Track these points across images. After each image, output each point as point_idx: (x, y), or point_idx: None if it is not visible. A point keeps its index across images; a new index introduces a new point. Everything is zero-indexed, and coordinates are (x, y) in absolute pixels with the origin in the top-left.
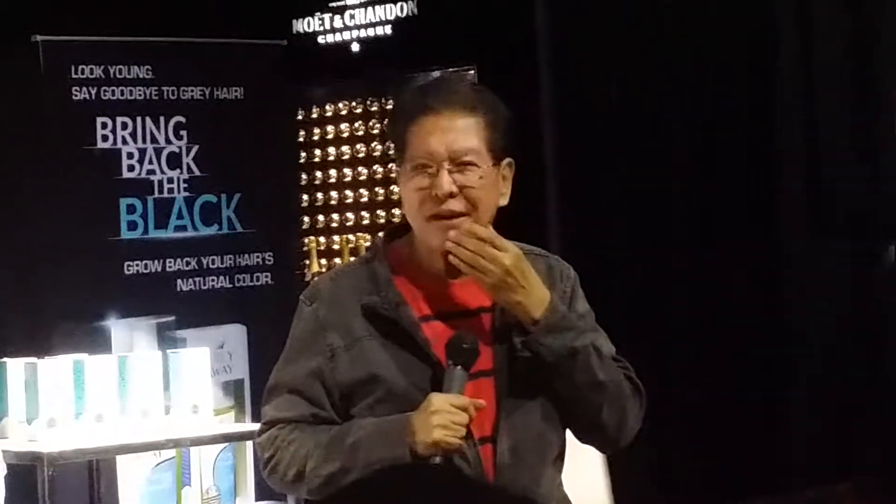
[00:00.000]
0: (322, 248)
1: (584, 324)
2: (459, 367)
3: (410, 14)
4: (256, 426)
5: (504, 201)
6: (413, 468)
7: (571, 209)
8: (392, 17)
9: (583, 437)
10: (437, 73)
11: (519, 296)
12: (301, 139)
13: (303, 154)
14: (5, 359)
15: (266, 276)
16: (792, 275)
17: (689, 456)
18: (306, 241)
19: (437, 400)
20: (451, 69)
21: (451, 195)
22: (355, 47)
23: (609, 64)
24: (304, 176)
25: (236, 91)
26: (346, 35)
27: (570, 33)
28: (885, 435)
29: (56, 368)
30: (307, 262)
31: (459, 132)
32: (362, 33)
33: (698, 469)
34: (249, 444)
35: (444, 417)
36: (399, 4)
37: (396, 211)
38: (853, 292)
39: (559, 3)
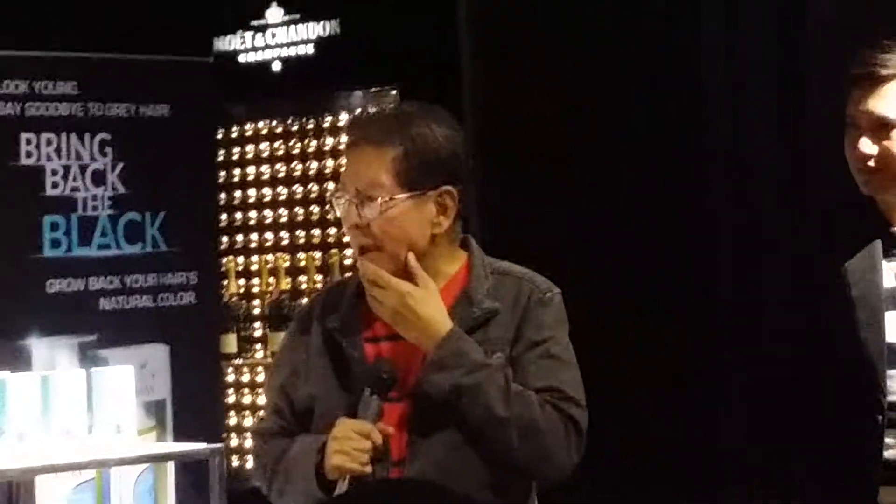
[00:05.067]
0: (240, 268)
1: (496, 359)
2: (374, 395)
3: (333, 33)
4: (178, 446)
5: (439, 230)
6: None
7: (492, 231)
8: (314, 37)
9: (507, 473)
10: (358, 93)
11: (412, 331)
12: (221, 158)
13: (222, 173)
14: None
15: (190, 296)
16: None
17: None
18: (224, 260)
19: (340, 426)
20: (373, 89)
21: (357, 227)
22: (277, 66)
23: (533, 84)
24: (223, 195)
25: (162, 108)
26: (268, 54)
27: (493, 54)
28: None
29: None
30: (226, 282)
31: (365, 165)
32: (284, 52)
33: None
34: (171, 465)
35: (344, 444)
36: (322, 23)
37: (316, 231)
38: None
39: (483, 23)
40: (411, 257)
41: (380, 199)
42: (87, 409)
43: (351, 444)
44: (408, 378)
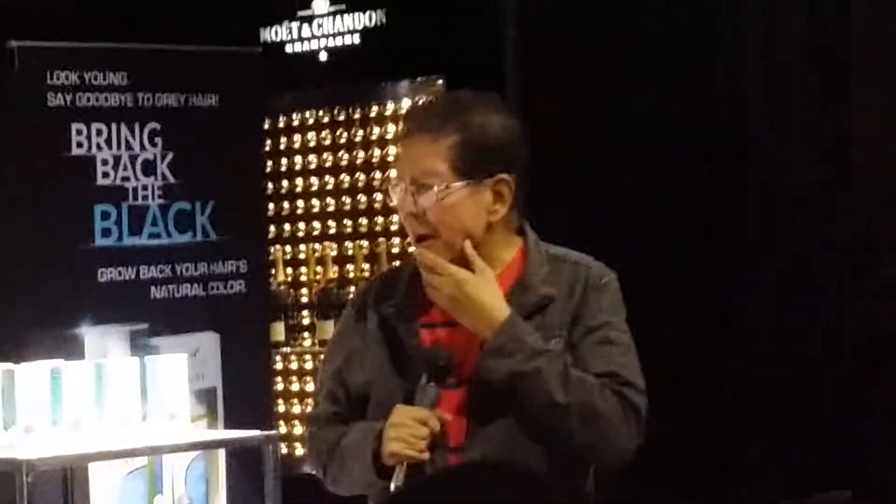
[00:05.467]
0: (288, 257)
1: (554, 344)
2: (430, 382)
3: (379, 24)
4: (232, 434)
5: (495, 218)
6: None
7: (543, 218)
8: (360, 27)
9: (566, 459)
10: (404, 83)
11: (469, 318)
12: (268, 147)
13: (270, 162)
14: None
15: (239, 284)
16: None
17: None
18: (272, 249)
19: (398, 413)
20: (418, 79)
21: (415, 216)
22: (323, 56)
23: (577, 72)
24: (270, 185)
25: (211, 98)
26: (315, 44)
27: (537, 43)
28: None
29: (33, 375)
30: (273, 271)
31: (421, 154)
32: (330, 42)
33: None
34: (222, 452)
35: (401, 431)
36: (367, 14)
37: (363, 220)
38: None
39: (528, 12)
40: (467, 245)
41: (436, 187)
42: (140, 397)
43: (408, 431)
44: (465, 364)
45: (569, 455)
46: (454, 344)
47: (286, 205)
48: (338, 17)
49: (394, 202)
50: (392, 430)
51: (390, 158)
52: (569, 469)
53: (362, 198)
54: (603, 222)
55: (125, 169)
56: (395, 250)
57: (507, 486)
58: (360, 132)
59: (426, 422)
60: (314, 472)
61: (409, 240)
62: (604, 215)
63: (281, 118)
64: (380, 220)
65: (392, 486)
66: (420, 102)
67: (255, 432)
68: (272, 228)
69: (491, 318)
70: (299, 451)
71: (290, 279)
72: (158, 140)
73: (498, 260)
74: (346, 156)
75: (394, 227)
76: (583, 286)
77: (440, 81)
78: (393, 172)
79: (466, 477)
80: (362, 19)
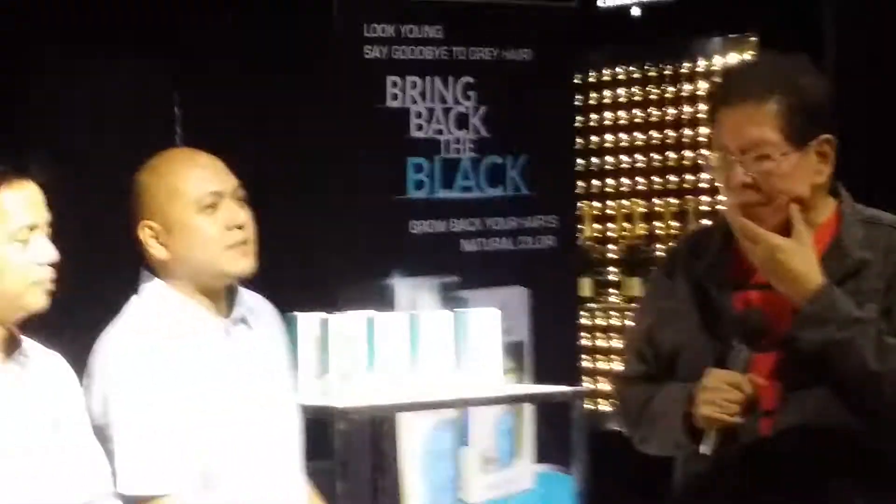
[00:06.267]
0: (596, 213)
1: (865, 312)
2: (743, 345)
3: None
4: (542, 388)
5: (820, 179)
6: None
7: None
8: None
9: (879, 426)
10: (717, 40)
11: (783, 284)
12: (578, 103)
13: (580, 118)
14: (296, 313)
15: (549, 239)
16: None
17: None
18: (580, 205)
19: (711, 376)
20: (730, 35)
21: (744, 185)
22: (636, 11)
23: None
24: (579, 140)
25: (524, 53)
26: None
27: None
28: None
29: (348, 324)
30: (581, 226)
31: (749, 122)
32: None
33: None
34: (529, 407)
35: (714, 394)
36: None
37: (672, 177)
38: None
39: None
40: (794, 209)
41: (769, 155)
42: (453, 349)
43: (721, 394)
44: (778, 328)
45: (880, 422)
46: (768, 307)
47: (595, 160)
48: None
49: (715, 169)
50: (705, 394)
51: (700, 115)
52: (879, 437)
53: (672, 154)
54: None
55: (438, 122)
56: (704, 208)
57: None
58: (672, 88)
59: (740, 386)
60: (622, 431)
61: (718, 198)
62: None
63: (592, 73)
64: (689, 177)
65: (702, 450)
66: (734, 65)
67: (564, 388)
68: (580, 184)
69: (804, 285)
70: (604, 407)
71: (597, 235)
72: (472, 93)
73: (812, 222)
74: (656, 112)
75: (703, 185)
76: (892, 249)
77: (754, 38)
78: (716, 138)
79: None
80: None
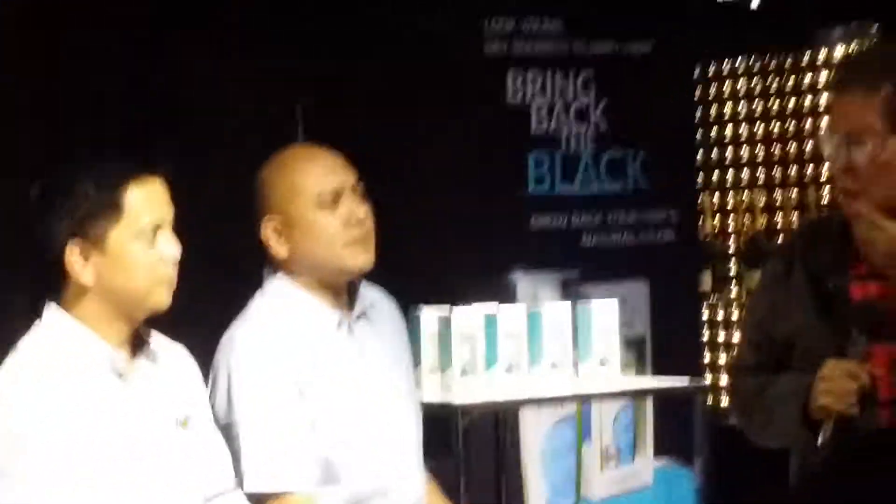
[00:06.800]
0: (716, 205)
1: None
2: (862, 336)
3: None
4: (664, 381)
5: None
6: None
7: None
8: None
9: None
10: (838, 28)
11: None
12: (697, 94)
13: (699, 109)
14: (418, 308)
15: (669, 233)
16: None
17: None
18: (700, 198)
19: (829, 366)
20: (852, 24)
21: (847, 171)
22: (755, 1)
23: None
24: (699, 132)
25: (644, 46)
26: None
27: None
28: None
29: (468, 318)
30: (700, 220)
31: (855, 108)
32: None
33: None
34: (650, 402)
35: (832, 384)
36: None
37: (793, 169)
38: None
39: None
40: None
41: (871, 142)
42: (572, 342)
43: (839, 385)
44: None
45: None
46: (887, 297)
47: (715, 152)
48: None
49: (826, 154)
50: (823, 384)
51: (821, 106)
52: None
53: (792, 145)
54: None
55: (559, 117)
56: (826, 200)
57: None
58: (792, 78)
59: (857, 376)
60: (736, 422)
61: (840, 190)
62: None
63: (711, 65)
64: (810, 168)
65: (819, 440)
66: (853, 52)
67: (685, 381)
68: (700, 176)
69: None
70: (725, 401)
71: (717, 228)
72: (592, 87)
73: None
74: (776, 103)
75: (823, 176)
76: None
77: (875, 26)
78: (826, 124)
79: None
80: None
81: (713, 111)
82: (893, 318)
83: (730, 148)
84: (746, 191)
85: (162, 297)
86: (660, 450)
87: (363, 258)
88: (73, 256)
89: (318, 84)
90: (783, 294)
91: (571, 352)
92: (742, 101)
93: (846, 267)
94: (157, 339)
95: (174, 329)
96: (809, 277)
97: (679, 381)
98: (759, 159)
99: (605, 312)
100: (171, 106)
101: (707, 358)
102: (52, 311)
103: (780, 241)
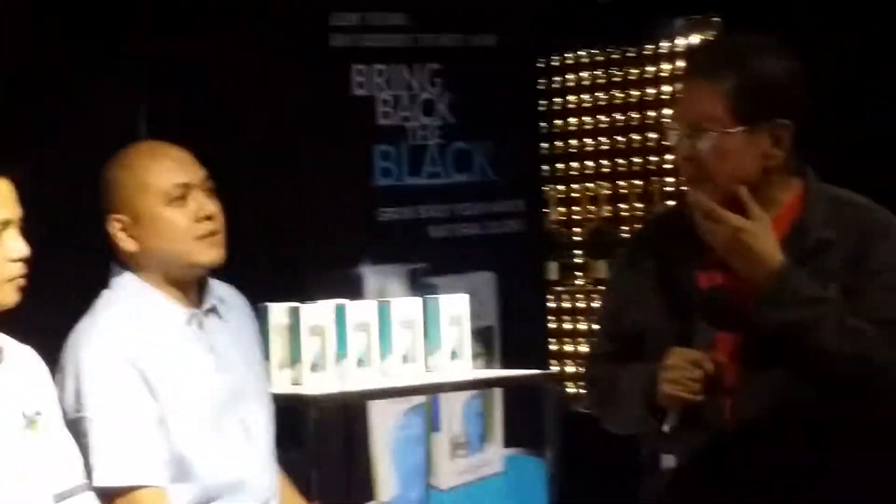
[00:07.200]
0: (561, 196)
1: (830, 291)
2: (707, 324)
3: None
4: (513, 373)
5: (772, 163)
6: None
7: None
8: None
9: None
10: (680, 21)
11: (744, 265)
12: (542, 86)
13: (543, 101)
14: (267, 303)
15: (515, 224)
16: None
17: None
18: (545, 188)
19: (673, 355)
20: (693, 17)
21: (689, 159)
22: None
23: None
24: (543, 124)
25: (489, 38)
26: None
27: None
28: None
29: (318, 313)
30: (546, 210)
31: (699, 97)
32: None
33: None
34: (499, 391)
35: (675, 373)
36: None
37: (637, 159)
38: None
39: None
40: (742, 190)
41: (712, 132)
42: (422, 335)
43: (683, 372)
44: (742, 308)
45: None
46: (731, 287)
47: (559, 143)
48: None
49: (670, 143)
50: (667, 372)
51: (664, 97)
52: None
53: (636, 136)
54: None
55: (405, 109)
56: (669, 189)
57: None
58: (635, 70)
59: (701, 364)
60: (590, 410)
61: (682, 179)
62: None
63: (554, 56)
64: (654, 158)
65: (665, 428)
66: (700, 43)
67: (535, 371)
68: (545, 167)
69: (765, 266)
70: (571, 389)
71: (562, 218)
72: (438, 80)
73: (775, 201)
74: (619, 94)
75: (667, 166)
76: (864, 229)
77: (716, 19)
78: (670, 113)
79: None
80: None
81: (558, 102)
82: (737, 306)
83: (575, 139)
84: (591, 181)
85: (8, 296)
86: (511, 439)
87: (213, 253)
88: None
89: (160, 79)
90: (633, 285)
91: (421, 344)
92: (586, 93)
93: (693, 257)
94: (5, 341)
95: (24, 327)
96: (658, 268)
97: (526, 371)
98: (604, 149)
99: (455, 305)
100: (16, 105)
101: (554, 346)
102: None
103: (630, 233)
